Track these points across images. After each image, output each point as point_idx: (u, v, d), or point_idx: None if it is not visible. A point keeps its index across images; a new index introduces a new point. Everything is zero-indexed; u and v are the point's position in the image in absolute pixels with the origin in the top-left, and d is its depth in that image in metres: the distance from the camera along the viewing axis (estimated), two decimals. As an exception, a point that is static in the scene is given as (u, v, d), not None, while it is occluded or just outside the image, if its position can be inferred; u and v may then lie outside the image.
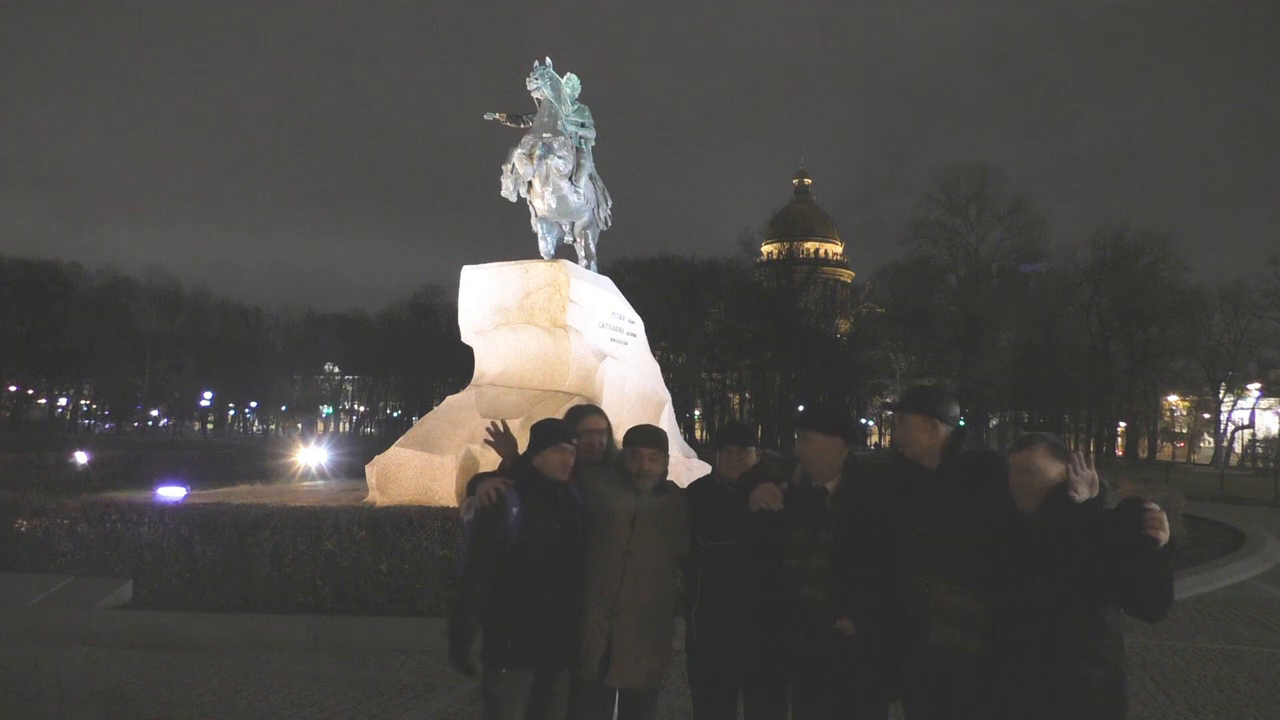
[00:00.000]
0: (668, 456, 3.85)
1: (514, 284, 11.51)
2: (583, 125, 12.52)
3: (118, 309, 70.87)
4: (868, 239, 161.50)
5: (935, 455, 3.35)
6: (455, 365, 50.49)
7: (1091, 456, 23.93)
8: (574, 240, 12.99)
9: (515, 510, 3.44)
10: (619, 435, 4.01)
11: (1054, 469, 2.99)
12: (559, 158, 11.75)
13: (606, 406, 8.59)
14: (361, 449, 24.73)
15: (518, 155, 11.73)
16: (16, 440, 36.53)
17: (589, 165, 12.52)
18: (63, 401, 79.13)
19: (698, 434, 64.94)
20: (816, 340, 65.44)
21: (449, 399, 12.32)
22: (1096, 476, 3.00)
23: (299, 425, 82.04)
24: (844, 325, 74.24)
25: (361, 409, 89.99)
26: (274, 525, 7.82)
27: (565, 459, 3.59)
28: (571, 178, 12.03)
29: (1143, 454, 61.47)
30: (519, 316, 11.38)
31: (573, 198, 12.18)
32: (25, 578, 7.82)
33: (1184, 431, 72.05)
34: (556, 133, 11.88)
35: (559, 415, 4.05)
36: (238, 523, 7.88)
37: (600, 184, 13.04)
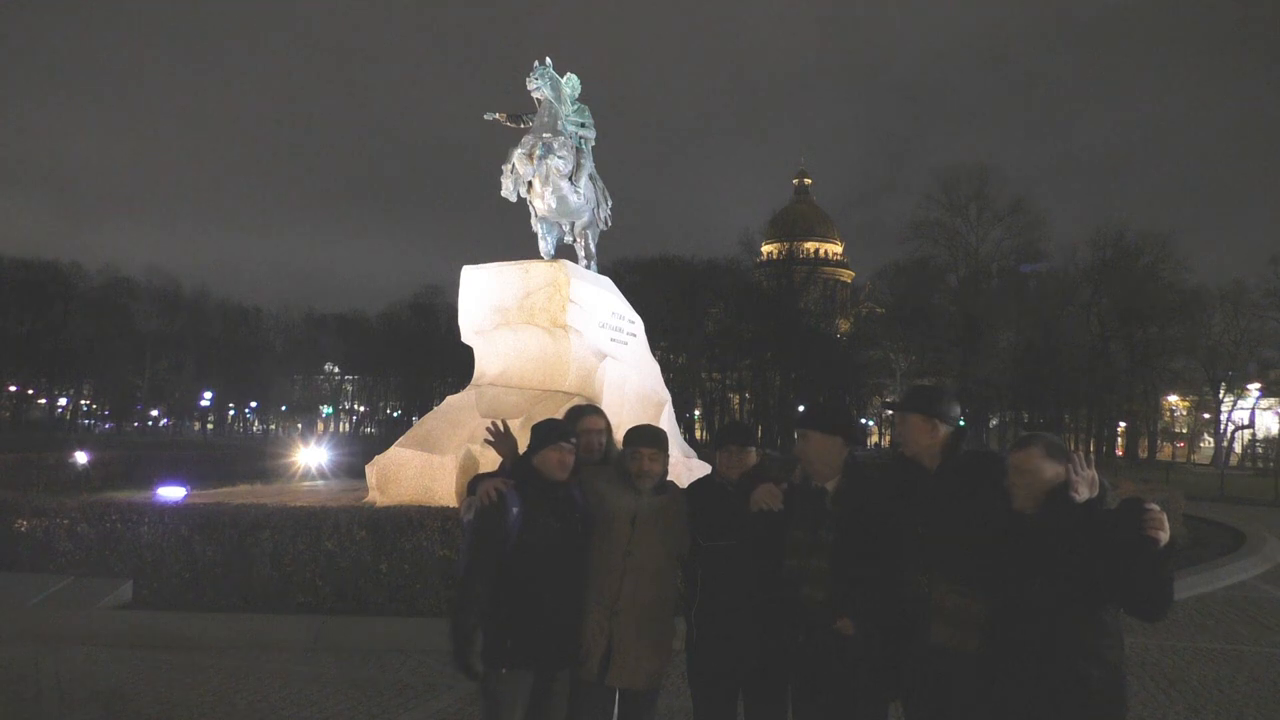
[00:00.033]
0: (668, 456, 3.85)
1: (514, 284, 11.51)
2: (583, 125, 12.52)
3: (118, 309, 70.91)
4: (868, 239, 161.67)
5: (935, 455, 3.35)
6: (455, 365, 50.52)
7: (1091, 456, 23.93)
8: (574, 240, 12.99)
9: (515, 510, 3.44)
10: (619, 435, 4.01)
11: (1050, 469, 2.99)
12: (559, 158, 11.75)
13: (606, 406, 8.60)
14: (361, 449, 24.74)
15: (518, 155, 11.73)
16: (16, 440, 36.53)
17: (589, 165, 12.52)
18: (63, 401, 79.14)
19: (698, 434, 64.95)
20: (816, 340, 65.44)
21: (449, 399, 12.32)
22: (1096, 476, 3.00)
23: (299, 425, 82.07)
24: (844, 325, 74.24)
25: (361, 409, 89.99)
26: (274, 525, 7.82)
27: (563, 458, 3.59)
28: (571, 178, 12.03)
29: (1143, 454, 61.47)
30: (519, 316, 11.38)
31: (573, 198, 12.18)
32: (25, 578, 7.82)
33: (1184, 431, 72.04)
34: (556, 133, 11.88)
35: (559, 415, 4.05)
36: (238, 523, 7.88)
37: (600, 184, 13.04)
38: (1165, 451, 66.24)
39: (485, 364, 11.96)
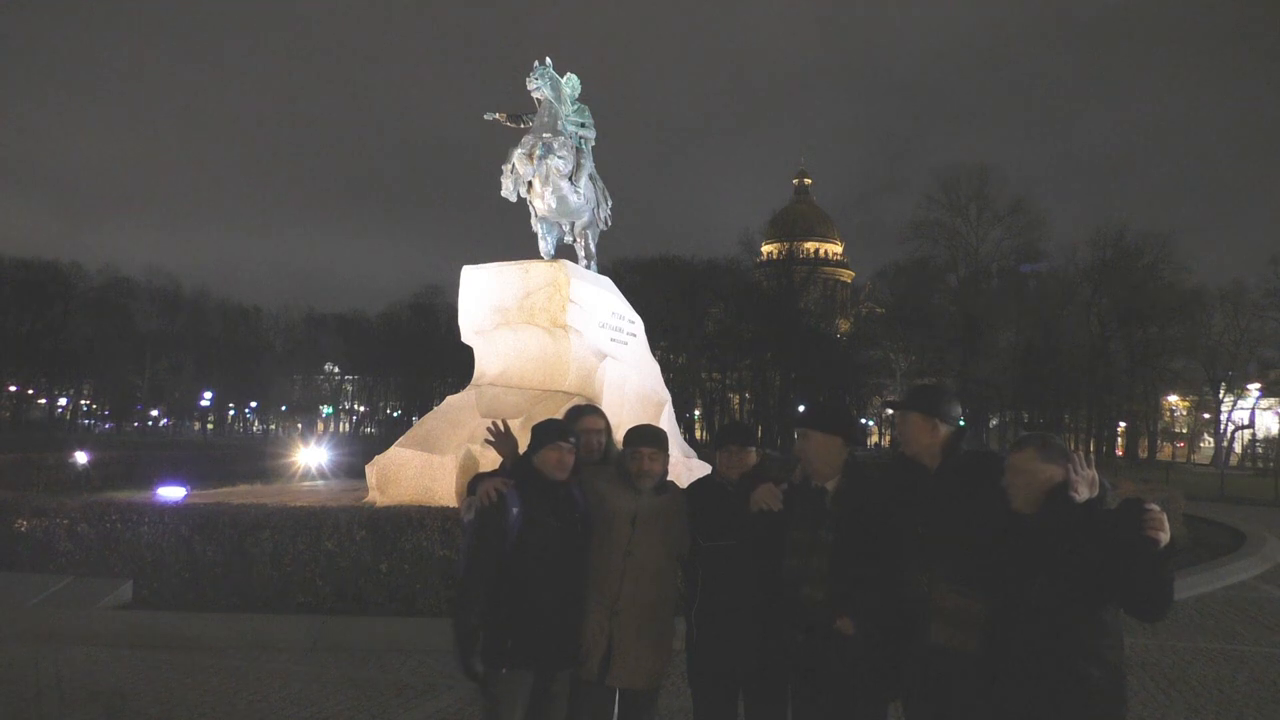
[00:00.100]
0: (668, 456, 3.85)
1: (514, 284, 11.51)
2: (583, 125, 12.52)
3: (118, 309, 70.96)
4: (868, 239, 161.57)
5: (935, 454, 3.36)
6: (455, 365, 50.53)
7: (1091, 456, 23.94)
8: (574, 240, 12.99)
9: (515, 510, 3.44)
10: (619, 435, 4.01)
11: (1046, 469, 2.99)
12: (559, 158, 11.75)
13: (606, 406, 8.60)
14: (361, 449, 24.73)
15: (518, 155, 11.73)
16: (16, 440, 36.50)
17: (589, 165, 12.52)
18: (63, 401, 79.21)
19: (698, 434, 64.96)
20: (816, 340, 65.43)
21: (449, 399, 12.31)
22: (1097, 476, 3.00)
23: (299, 425, 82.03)
24: (844, 325, 74.24)
25: (361, 409, 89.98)
26: (274, 525, 7.82)
27: (562, 457, 3.59)
28: (571, 178, 12.03)
29: (1143, 454, 61.49)
30: (519, 316, 11.38)
31: (573, 198, 12.18)
32: (25, 578, 7.82)
33: (1184, 431, 72.03)
34: (556, 133, 11.88)
35: (559, 415, 4.04)
36: (238, 523, 7.88)
37: (600, 184, 13.04)
38: (1165, 451, 66.25)
39: (485, 364, 11.96)
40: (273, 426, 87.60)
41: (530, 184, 11.85)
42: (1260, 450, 63.43)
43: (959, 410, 3.49)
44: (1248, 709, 5.91)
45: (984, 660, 3.00)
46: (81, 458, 18.26)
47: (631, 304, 13.24)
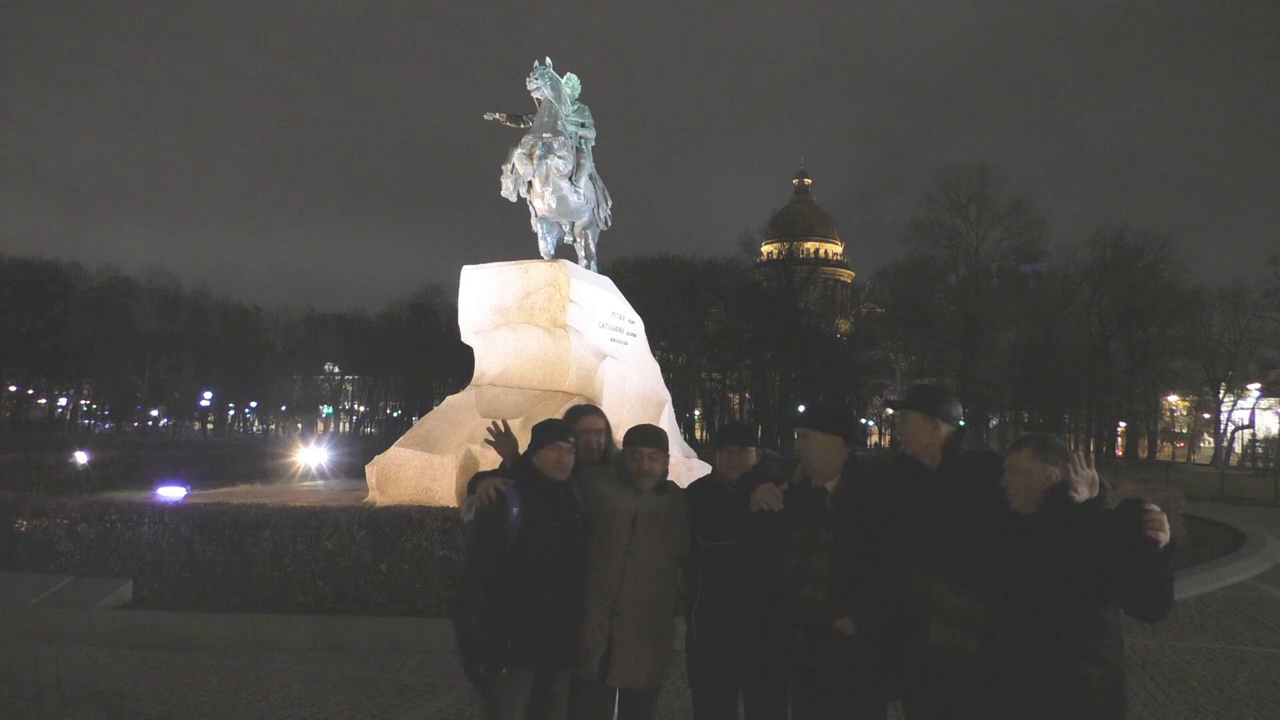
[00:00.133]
0: (668, 456, 3.85)
1: (514, 284, 11.50)
2: (583, 125, 12.52)
3: (118, 309, 70.95)
4: (868, 239, 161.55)
5: (935, 454, 3.36)
6: (455, 365, 50.52)
7: (1091, 456, 23.93)
8: (574, 240, 12.98)
9: (515, 510, 3.43)
10: (619, 435, 4.01)
11: (1046, 469, 2.98)
12: (559, 158, 11.75)
13: (606, 406, 8.61)
14: (361, 449, 24.73)
15: (518, 155, 11.73)
16: (16, 440, 36.52)
17: (589, 165, 12.52)
18: (63, 401, 79.21)
19: (698, 434, 64.94)
20: (816, 340, 65.43)
21: (449, 399, 12.31)
22: (1096, 476, 3.00)
23: (299, 425, 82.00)
24: (844, 325, 74.25)
25: (361, 409, 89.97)
26: (274, 525, 7.82)
27: (561, 456, 3.59)
28: (571, 178, 12.03)
29: (1143, 454, 61.46)
30: (519, 316, 11.38)
31: (573, 198, 12.18)
32: (25, 578, 7.82)
33: (1184, 431, 72.01)
34: (556, 133, 11.88)
35: (559, 415, 4.04)
36: (238, 523, 7.88)
37: (600, 184, 13.04)
38: (1165, 451, 66.22)
39: (485, 364, 11.96)
40: (273, 426, 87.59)
41: (530, 184, 11.85)
42: (1260, 450, 63.41)
43: (959, 410, 3.49)
44: (1248, 709, 5.91)
45: (984, 660, 3.00)
46: (81, 458, 18.25)
47: (631, 304, 13.23)
